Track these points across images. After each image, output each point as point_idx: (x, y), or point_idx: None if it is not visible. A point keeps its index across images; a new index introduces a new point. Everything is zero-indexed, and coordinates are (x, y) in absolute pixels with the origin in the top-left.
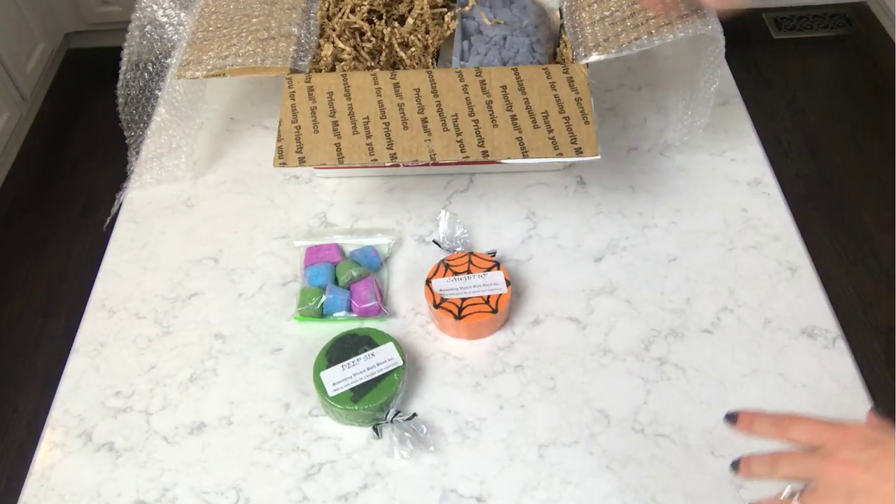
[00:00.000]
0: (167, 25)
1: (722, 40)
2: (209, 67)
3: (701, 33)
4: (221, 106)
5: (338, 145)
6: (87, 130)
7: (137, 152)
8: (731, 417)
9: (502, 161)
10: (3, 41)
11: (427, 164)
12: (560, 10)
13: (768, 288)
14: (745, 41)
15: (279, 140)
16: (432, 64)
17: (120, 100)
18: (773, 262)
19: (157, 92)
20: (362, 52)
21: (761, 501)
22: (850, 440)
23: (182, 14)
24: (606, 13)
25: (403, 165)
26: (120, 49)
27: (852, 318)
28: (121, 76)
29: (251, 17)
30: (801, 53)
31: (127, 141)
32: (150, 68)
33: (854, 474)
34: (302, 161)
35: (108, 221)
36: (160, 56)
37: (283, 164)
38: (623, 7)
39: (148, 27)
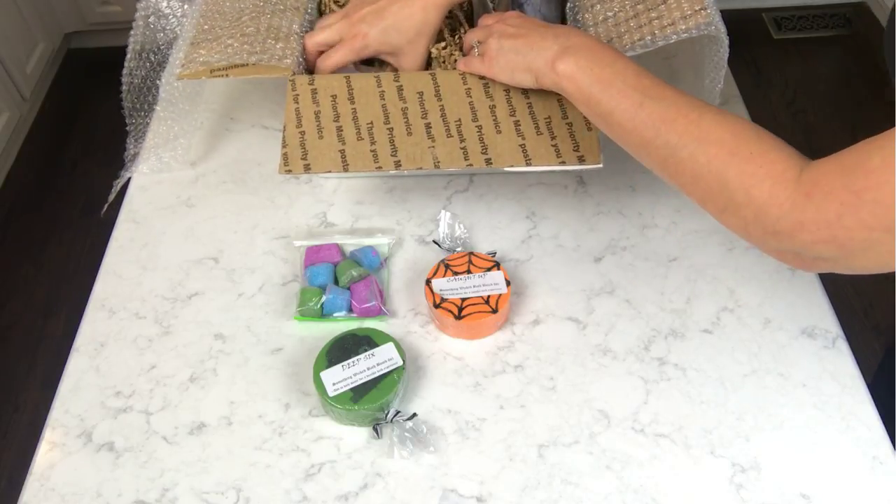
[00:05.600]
0: (171, 17)
1: (726, 40)
2: (210, 69)
3: (705, 33)
4: (221, 106)
5: (342, 152)
6: (87, 130)
7: (137, 140)
8: None
9: (505, 169)
10: (3, 41)
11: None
12: (563, 12)
13: (768, 288)
14: (745, 41)
15: (284, 146)
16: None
17: (124, 87)
18: (773, 262)
19: (158, 82)
20: None
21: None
22: (506, 19)
23: (185, 6)
24: (609, 14)
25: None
26: (120, 49)
27: (852, 318)
28: (125, 64)
29: (251, 18)
30: (801, 53)
31: (127, 128)
32: (153, 58)
33: (507, 29)
34: (307, 168)
35: (104, 209)
36: (163, 47)
37: (289, 172)
38: (626, 8)
39: (152, 18)
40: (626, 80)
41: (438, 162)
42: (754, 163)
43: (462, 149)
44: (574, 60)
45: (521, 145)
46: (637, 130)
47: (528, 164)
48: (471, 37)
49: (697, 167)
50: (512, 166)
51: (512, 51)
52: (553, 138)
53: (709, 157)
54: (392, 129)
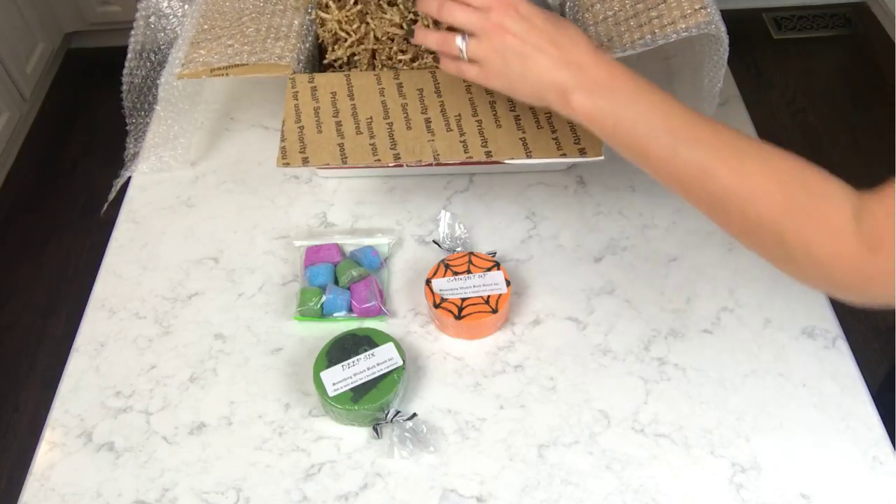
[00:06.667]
0: (171, 17)
1: (726, 39)
2: (211, 67)
3: (704, 32)
4: (221, 106)
5: (341, 146)
6: (87, 130)
7: (137, 140)
8: None
9: (506, 161)
10: (3, 41)
11: (430, 165)
12: (563, 11)
13: (768, 288)
14: (745, 41)
15: (283, 140)
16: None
17: (124, 87)
18: None
19: (158, 82)
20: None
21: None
22: (510, 12)
23: (186, 6)
24: (609, 13)
25: (407, 166)
26: (120, 49)
27: (852, 318)
28: (126, 64)
29: (252, 18)
30: (801, 53)
31: (127, 128)
32: (153, 58)
33: (507, 38)
34: (305, 161)
35: (104, 208)
36: (163, 46)
37: (287, 165)
38: (626, 7)
39: (152, 18)
40: (652, 123)
41: (438, 154)
42: (810, 220)
43: (462, 142)
44: (591, 101)
45: (521, 138)
46: (674, 177)
47: (528, 157)
48: (458, 17)
49: (748, 222)
50: (513, 158)
51: (516, 71)
52: (554, 132)
53: (759, 213)
54: (392, 123)
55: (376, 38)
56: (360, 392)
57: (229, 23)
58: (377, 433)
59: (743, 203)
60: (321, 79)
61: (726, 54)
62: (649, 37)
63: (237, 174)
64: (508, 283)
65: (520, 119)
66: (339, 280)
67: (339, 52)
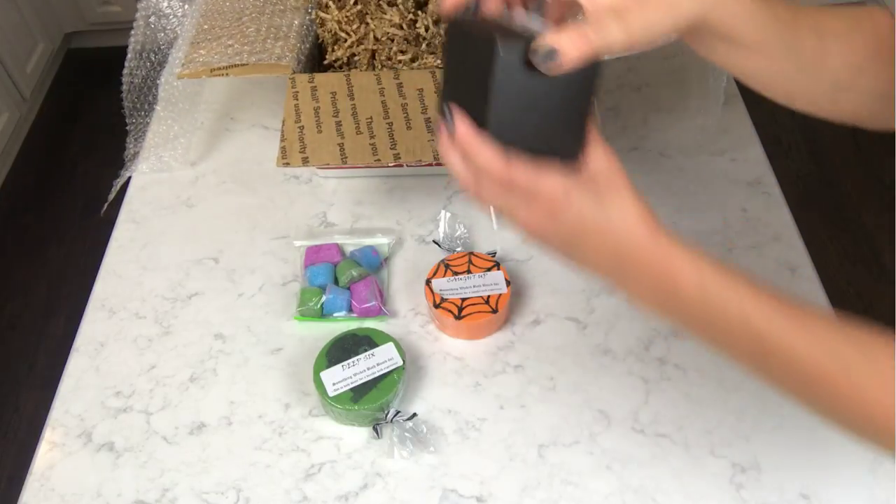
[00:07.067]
0: (171, 17)
1: None
2: (211, 67)
3: None
4: (221, 106)
5: (341, 145)
6: (87, 130)
7: (137, 140)
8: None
9: None
10: (3, 41)
11: (430, 165)
12: None
13: None
14: None
15: (282, 140)
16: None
17: (124, 87)
18: (773, 263)
19: (158, 82)
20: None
21: None
22: (559, 207)
23: (186, 6)
24: None
25: (407, 166)
26: (120, 49)
27: (852, 317)
28: (126, 64)
29: (252, 18)
30: None
31: (127, 128)
32: (153, 58)
33: (548, 236)
34: (305, 161)
35: (104, 208)
36: (163, 46)
37: (287, 164)
38: None
39: (152, 18)
40: (728, 324)
41: (438, 154)
42: None
43: None
44: (647, 299)
45: None
46: (755, 374)
47: None
48: (489, 200)
49: (851, 416)
50: None
51: (558, 256)
52: None
53: (865, 410)
54: (392, 123)
55: (376, 39)
56: (360, 392)
57: (229, 23)
58: (377, 433)
59: (846, 400)
60: (321, 79)
61: None
62: None
63: (237, 174)
64: (508, 283)
65: None
66: (339, 280)
67: (339, 53)
